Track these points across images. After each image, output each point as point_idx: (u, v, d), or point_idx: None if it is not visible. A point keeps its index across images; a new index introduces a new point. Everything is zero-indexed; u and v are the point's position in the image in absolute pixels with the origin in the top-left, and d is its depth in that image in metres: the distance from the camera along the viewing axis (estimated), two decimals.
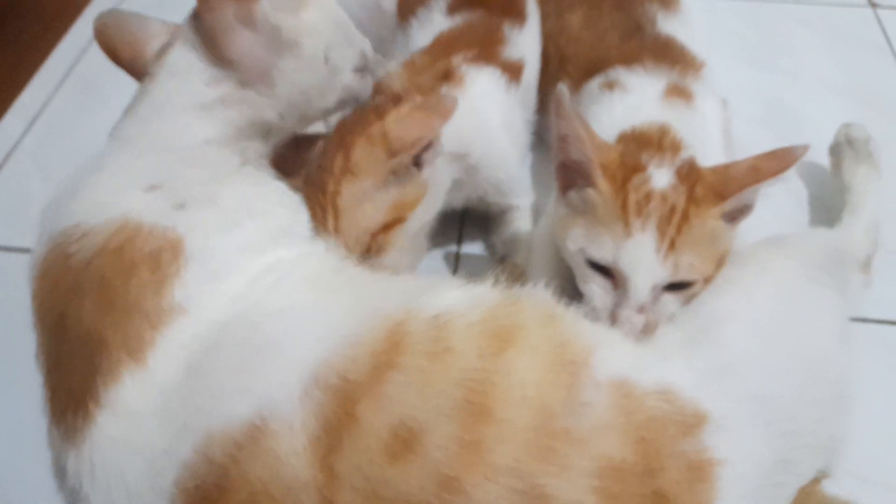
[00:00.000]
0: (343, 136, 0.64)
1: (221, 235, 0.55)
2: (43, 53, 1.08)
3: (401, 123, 0.62)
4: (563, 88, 0.57)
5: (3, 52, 1.01)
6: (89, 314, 0.50)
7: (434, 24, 0.79)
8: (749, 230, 0.60)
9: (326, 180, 0.62)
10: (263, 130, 0.62)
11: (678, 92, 0.70)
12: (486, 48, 0.75)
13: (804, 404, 0.52)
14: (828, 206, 0.82)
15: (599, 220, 0.58)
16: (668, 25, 0.76)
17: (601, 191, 0.57)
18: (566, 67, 0.78)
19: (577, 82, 0.76)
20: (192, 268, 0.52)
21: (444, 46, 0.75)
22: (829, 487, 0.56)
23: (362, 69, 0.65)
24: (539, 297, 0.54)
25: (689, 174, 0.58)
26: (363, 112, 0.65)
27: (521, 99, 0.78)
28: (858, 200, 0.74)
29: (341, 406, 0.46)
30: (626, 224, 0.56)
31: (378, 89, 0.69)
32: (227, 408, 0.47)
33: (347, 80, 0.64)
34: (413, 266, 0.68)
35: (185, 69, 0.58)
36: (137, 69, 0.62)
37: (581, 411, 0.47)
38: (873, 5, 1.14)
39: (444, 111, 0.61)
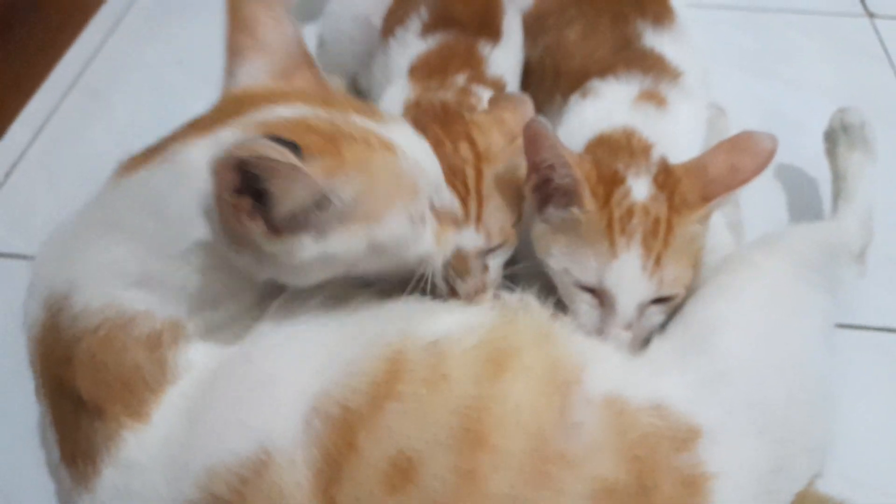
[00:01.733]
0: (442, 128, 0.63)
1: (222, 309, 0.53)
2: (50, 62, 1.07)
3: (513, 113, 0.64)
4: (543, 120, 0.57)
5: (10, 61, 1.02)
6: (84, 386, 0.49)
7: (409, 45, 0.79)
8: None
9: (461, 167, 0.61)
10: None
11: (650, 97, 0.70)
12: (475, 68, 0.76)
13: (796, 409, 0.52)
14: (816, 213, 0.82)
15: (583, 239, 0.57)
16: (657, 40, 0.77)
17: (587, 210, 0.56)
18: (559, 82, 0.79)
19: (566, 97, 0.76)
20: (193, 340, 0.51)
21: (436, 67, 0.75)
22: (826, 490, 0.56)
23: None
24: (536, 314, 0.54)
25: (667, 180, 0.58)
26: (443, 109, 0.66)
27: None
28: (853, 188, 0.73)
29: (342, 437, 0.46)
30: (612, 244, 0.56)
31: (417, 104, 0.70)
32: (228, 444, 0.47)
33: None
34: None
35: (189, 177, 0.48)
36: (230, 56, 0.55)
37: (574, 432, 0.47)
38: (871, 15, 1.14)
39: (530, 107, 0.65)
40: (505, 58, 0.81)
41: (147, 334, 0.50)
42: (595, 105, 0.71)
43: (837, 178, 0.76)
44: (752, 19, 1.15)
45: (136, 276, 0.50)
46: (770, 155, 0.56)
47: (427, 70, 0.75)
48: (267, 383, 0.49)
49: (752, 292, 0.56)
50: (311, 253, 0.48)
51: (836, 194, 0.75)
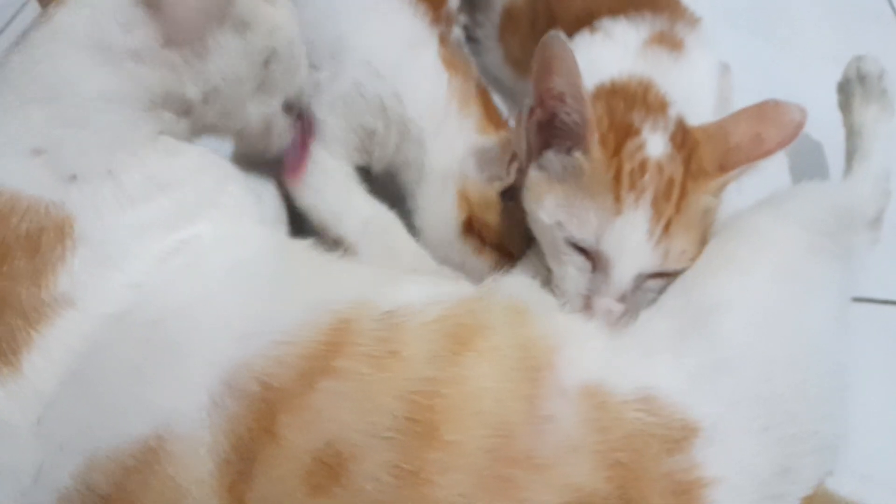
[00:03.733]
0: None
1: (122, 212, 0.46)
2: None
3: None
4: (562, 37, 0.50)
5: None
6: None
7: None
8: None
9: None
10: (181, 107, 0.51)
11: (664, 40, 0.64)
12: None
13: (807, 402, 0.46)
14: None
15: (584, 190, 0.51)
16: None
17: (593, 157, 0.51)
18: (555, 27, 0.71)
19: None
20: (81, 252, 0.43)
21: None
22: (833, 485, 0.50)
23: (289, 109, 0.59)
24: (514, 288, 0.48)
25: (685, 141, 0.53)
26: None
27: None
28: (869, 145, 0.68)
29: (259, 420, 0.39)
30: (618, 199, 0.50)
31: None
32: (117, 425, 0.39)
33: (273, 109, 0.57)
34: None
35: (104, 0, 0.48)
36: None
37: (544, 429, 0.40)
38: None
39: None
40: None
41: (29, 229, 0.42)
42: (604, 44, 0.64)
43: (852, 134, 0.71)
44: None
45: (33, 138, 0.45)
46: (798, 127, 0.52)
47: None
48: (173, 350, 0.42)
49: (761, 267, 0.50)
50: (251, 1, 0.50)
51: (851, 152, 0.70)
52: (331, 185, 0.64)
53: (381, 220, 0.64)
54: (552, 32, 0.51)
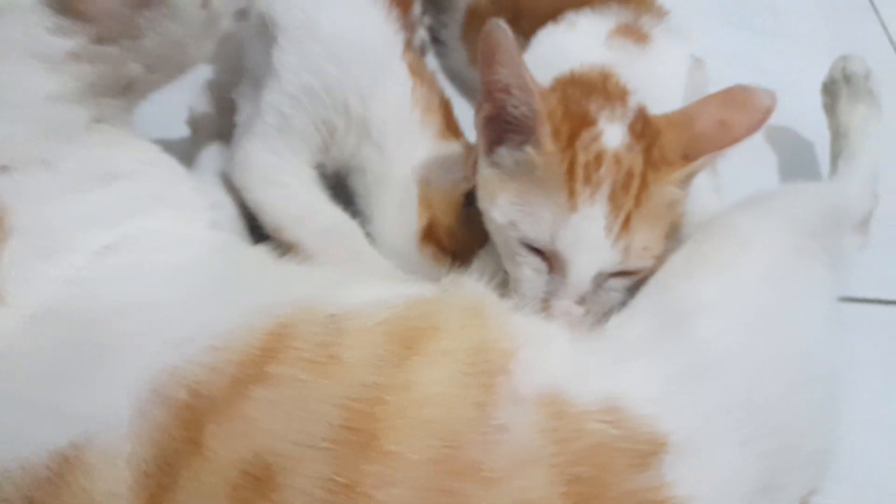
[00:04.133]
0: None
1: (59, 204, 0.44)
2: None
3: None
4: (503, 26, 0.47)
5: None
6: None
7: None
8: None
9: None
10: (124, 85, 0.51)
11: (629, 31, 0.62)
12: None
13: (792, 412, 0.44)
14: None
15: (537, 187, 0.49)
16: None
17: (545, 151, 0.48)
18: (521, 24, 0.70)
19: (529, 40, 0.68)
20: (11, 244, 0.41)
21: None
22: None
23: (245, 12, 0.58)
24: (471, 289, 0.45)
25: (645, 130, 0.50)
26: None
27: None
28: (856, 146, 0.66)
29: (184, 430, 0.36)
30: (572, 194, 0.48)
31: None
32: (32, 433, 0.37)
33: (227, 25, 0.55)
34: None
35: (23, 10, 0.47)
36: None
37: (496, 439, 0.37)
38: None
39: None
40: None
41: None
42: (567, 35, 0.63)
43: (838, 135, 0.70)
44: None
45: None
46: (767, 113, 0.49)
47: None
48: (101, 353, 0.39)
49: (745, 267, 0.47)
50: None
51: (836, 154, 0.69)
52: (292, 184, 0.61)
53: (344, 227, 0.61)
54: (492, 21, 0.48)
